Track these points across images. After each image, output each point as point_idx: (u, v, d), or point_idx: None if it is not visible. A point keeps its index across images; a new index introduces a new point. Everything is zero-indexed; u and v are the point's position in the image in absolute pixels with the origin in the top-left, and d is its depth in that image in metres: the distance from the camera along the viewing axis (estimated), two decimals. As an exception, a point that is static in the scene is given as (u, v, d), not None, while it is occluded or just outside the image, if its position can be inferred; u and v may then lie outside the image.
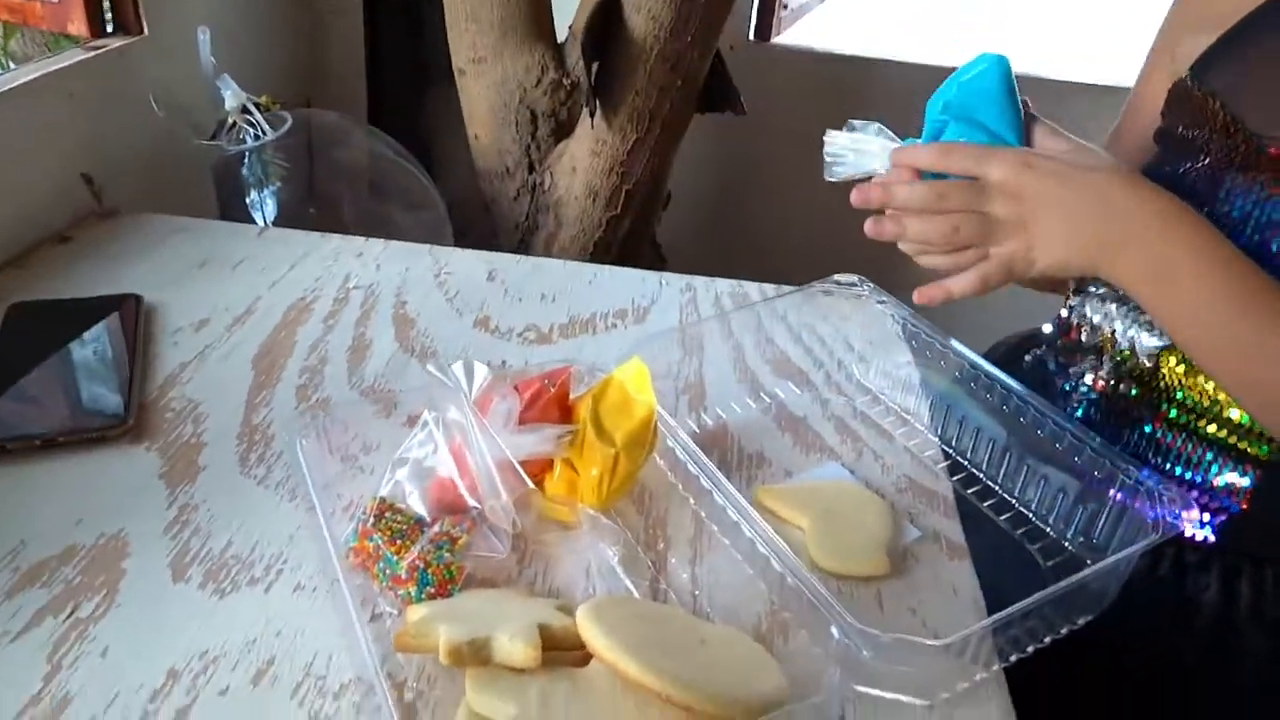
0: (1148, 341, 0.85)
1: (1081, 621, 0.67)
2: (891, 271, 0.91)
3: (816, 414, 0.91)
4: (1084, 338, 0.91)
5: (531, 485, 0.66)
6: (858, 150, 0.82)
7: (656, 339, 0.97)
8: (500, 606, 0.61)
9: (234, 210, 1.32)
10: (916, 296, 0.81)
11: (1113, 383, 0.88)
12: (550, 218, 1.37)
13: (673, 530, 0.75)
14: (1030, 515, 0.79)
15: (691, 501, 0.72)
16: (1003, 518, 0.80)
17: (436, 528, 0.67)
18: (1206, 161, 0.81)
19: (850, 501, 0.78)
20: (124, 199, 1.23)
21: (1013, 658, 0.65)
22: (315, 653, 0.63)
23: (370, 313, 1.03)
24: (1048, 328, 0.99)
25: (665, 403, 0.91)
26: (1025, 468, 0.79)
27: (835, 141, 0.83)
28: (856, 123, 0.83)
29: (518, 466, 0.64)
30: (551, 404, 0.74)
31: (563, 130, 1.34)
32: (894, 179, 0.79)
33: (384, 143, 1.49)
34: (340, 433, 0.79)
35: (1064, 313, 0.96)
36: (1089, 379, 0.88)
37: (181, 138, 1.28)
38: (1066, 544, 0.77)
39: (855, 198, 0.79)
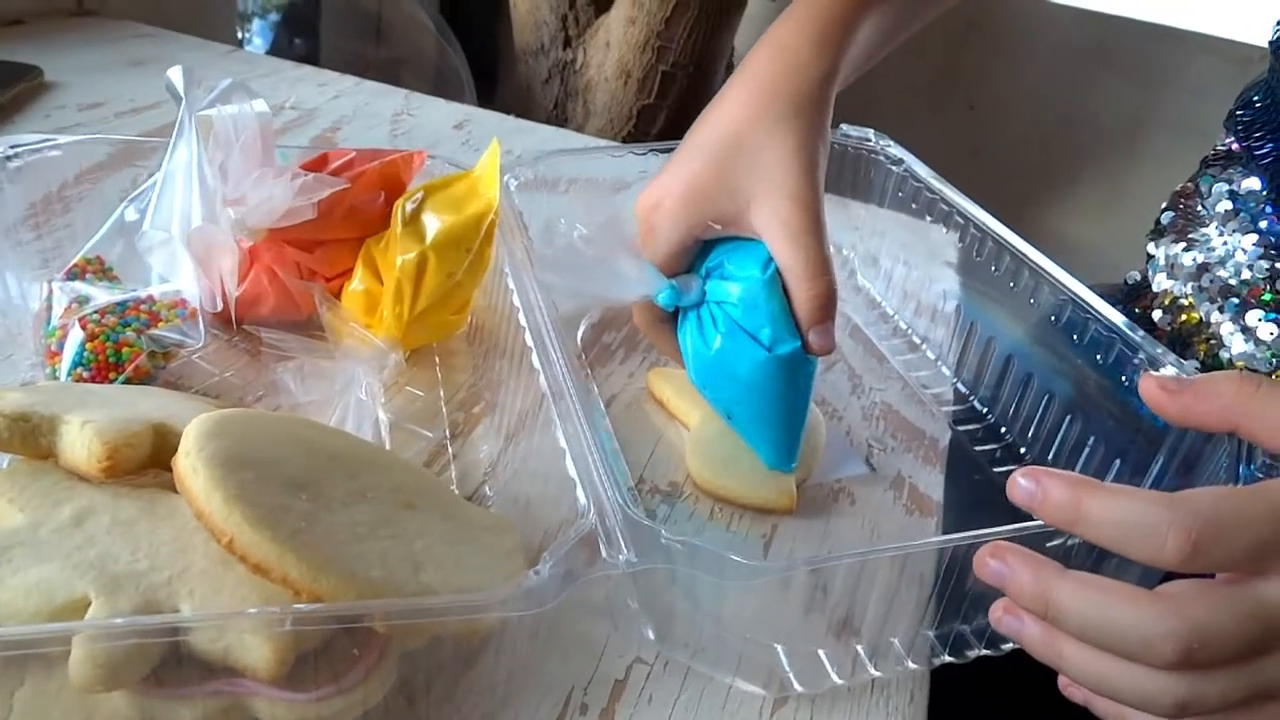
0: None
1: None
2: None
3: (790, 317, 0.66)
4: (1159, 317, 0.61)
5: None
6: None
7: (616, 196, 0.75)
8: (131, 399, 0.40)
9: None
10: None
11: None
12: (579, 105, 1.16)
13: (507, 397, 0.52)
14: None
15: (534, 363, 0.48)
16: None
17: (141, 299, 0.47)
18: None
19: (769, 402, 0.53)
20: (121, 9, 1.11)
21: (939, 660, 0.39)
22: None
23: (286, 132, 0.84)
24: (1134, 276, 0.68)
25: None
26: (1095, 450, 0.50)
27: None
28: None
29: (222, 212, 0.42)
30: (369, 181, 0.52)
31: (604, 5, 1.13)
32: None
33: (428, 14, 1.33)
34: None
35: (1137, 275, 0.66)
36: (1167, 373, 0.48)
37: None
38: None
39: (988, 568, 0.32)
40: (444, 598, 0.29)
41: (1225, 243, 0.60)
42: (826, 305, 0.43)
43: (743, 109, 0.44)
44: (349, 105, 0.93)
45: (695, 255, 0.47)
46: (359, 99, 0.95)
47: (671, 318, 0.48)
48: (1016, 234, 0.57)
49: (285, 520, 0.31)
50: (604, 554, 0.31)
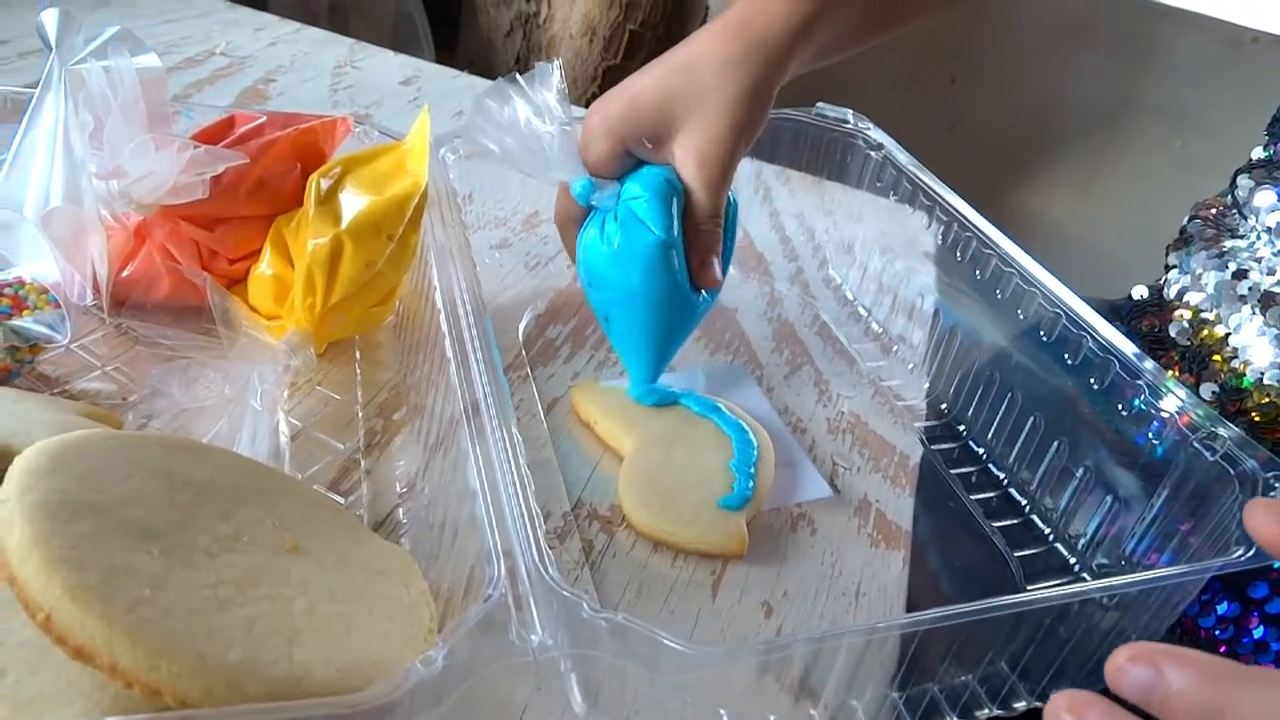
0: None
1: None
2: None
3: (756, 311, 0.60)
4: (1176, 331, 0.56)
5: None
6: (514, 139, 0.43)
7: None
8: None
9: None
10: None
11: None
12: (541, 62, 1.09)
13: (435, 400, 0.46)
14: (1044, 529, 0.47)
15: (452, 377, 0.42)
16: (1000, 523, 0.48)
17: (8, 282, 0.40)
18: None
19: (712, 426, 0.47)
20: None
21: (907, 731, 0.35)
22: None
23: (214, 82, 0.77)
24: (1141, 291, 0.64)
25: (534, 254, 0.62)
26: (1073, 471, 0.46)
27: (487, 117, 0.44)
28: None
29: (88, 187, 0.36)
30: (281, 151, 0.46)
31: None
32: None
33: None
34: None
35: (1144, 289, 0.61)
36: (1170, 404, 0.44)
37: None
38: (1080, 569, 0.45)
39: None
40: (300, 707, 0.24)
41: (1277, 253, 0.54)
42: (716, 244, 0.45)
43: (704, 44, 0.44)
44: (286, 54, 0.85)
45: (625, 172, 0.46)
46: (298, 47, 0.87)
47: (583, 218, 0.47)
48: (998, 229, 0.52)
49: (124, 588, 0.25)
50: (513, 635, 0.26)
